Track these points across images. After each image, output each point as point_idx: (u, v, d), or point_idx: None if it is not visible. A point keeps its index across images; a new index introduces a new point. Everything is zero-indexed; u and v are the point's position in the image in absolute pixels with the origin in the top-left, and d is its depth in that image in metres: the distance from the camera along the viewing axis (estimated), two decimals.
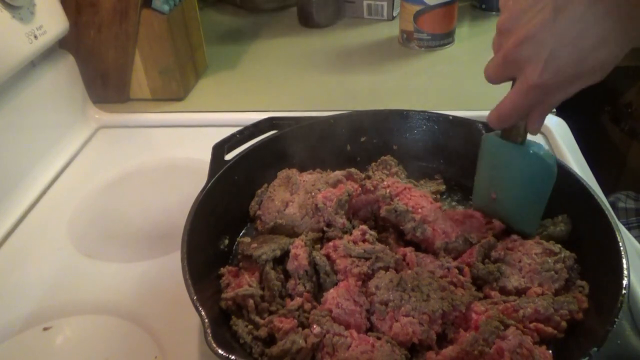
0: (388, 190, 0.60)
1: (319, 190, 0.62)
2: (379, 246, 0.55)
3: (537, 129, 0.49)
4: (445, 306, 0.48)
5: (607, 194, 0.68)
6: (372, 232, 0.57)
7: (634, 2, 0.39)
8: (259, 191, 0.65)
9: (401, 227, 0.58)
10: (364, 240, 0.56)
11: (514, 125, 0.51)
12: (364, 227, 0.57)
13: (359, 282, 0.52)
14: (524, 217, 0.56)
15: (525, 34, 0.43)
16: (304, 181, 0.65)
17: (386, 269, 0.53)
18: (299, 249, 0.55)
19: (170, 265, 0.61)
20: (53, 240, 0.68)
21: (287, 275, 0.55)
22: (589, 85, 0.44)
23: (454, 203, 0.67)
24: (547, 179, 0.52)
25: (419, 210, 0.58)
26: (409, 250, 0.55)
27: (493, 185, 0.56)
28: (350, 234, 0.58)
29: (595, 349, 0.41)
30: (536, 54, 0.42)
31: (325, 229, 0.60)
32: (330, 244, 0.57)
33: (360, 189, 0.63)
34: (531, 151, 0.52)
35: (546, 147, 0.76)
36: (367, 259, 0.54)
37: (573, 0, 0.40)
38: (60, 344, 0.55)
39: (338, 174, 0.65)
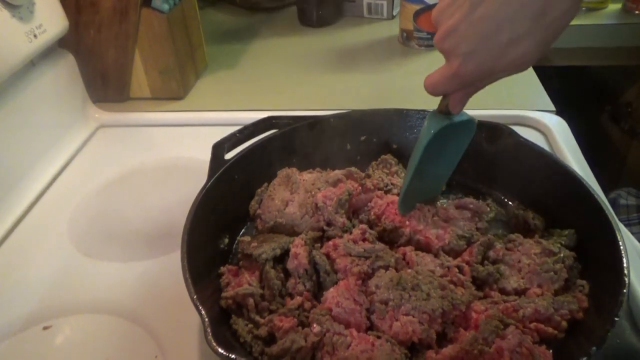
0: (372, 213, 0.61)
1: (319, 189, 0.62)
2: (379, 245, 0.55)
3: (458, 110, 0.50)
4: (446, 305, 0.48)
5: (607, 193, 0.68)
6: (372, 231, 0.57)
7: None
8: (259, 190, 0.65)
9: (396, 245, 0.58)
10: (364, 240, 0.56)
11: (444, 101, 0.51)
12: (364, 226, 0.57)
13: (359, 281, 0.52)
14: (438, 184, 0.61)
15: (447, 27, 0.43)
16: (304, 180, 0.65)
17: (386, 268, 0.53)
18: (299, 248, 0.55)
19: (170, 265, 0.61)
20: (53, 240, 0.68)
21: (287, 274, 0.55)
22: (513, 74, 0.45)
23: None
24: (468, 133, 0.54)
25: (407, 222, 0.58)
26: (408, 249, 0.55)
27: (426, 168, 0.56)
28: (350, 233, 0.58)
29: (595, 348, 0.41)
30: (456, 48, 0.43)
31: (325, 228, 0.60)
32: (330, 243, 0.57)
33: (360, 188, 0.63)
34: (456, 119, 0.52)
35: (547, 148, 0.76)
36: (367, 257, 0.54)
37: None
38: (60, 344, 0.55)
39: (338, 173, 0.65)
